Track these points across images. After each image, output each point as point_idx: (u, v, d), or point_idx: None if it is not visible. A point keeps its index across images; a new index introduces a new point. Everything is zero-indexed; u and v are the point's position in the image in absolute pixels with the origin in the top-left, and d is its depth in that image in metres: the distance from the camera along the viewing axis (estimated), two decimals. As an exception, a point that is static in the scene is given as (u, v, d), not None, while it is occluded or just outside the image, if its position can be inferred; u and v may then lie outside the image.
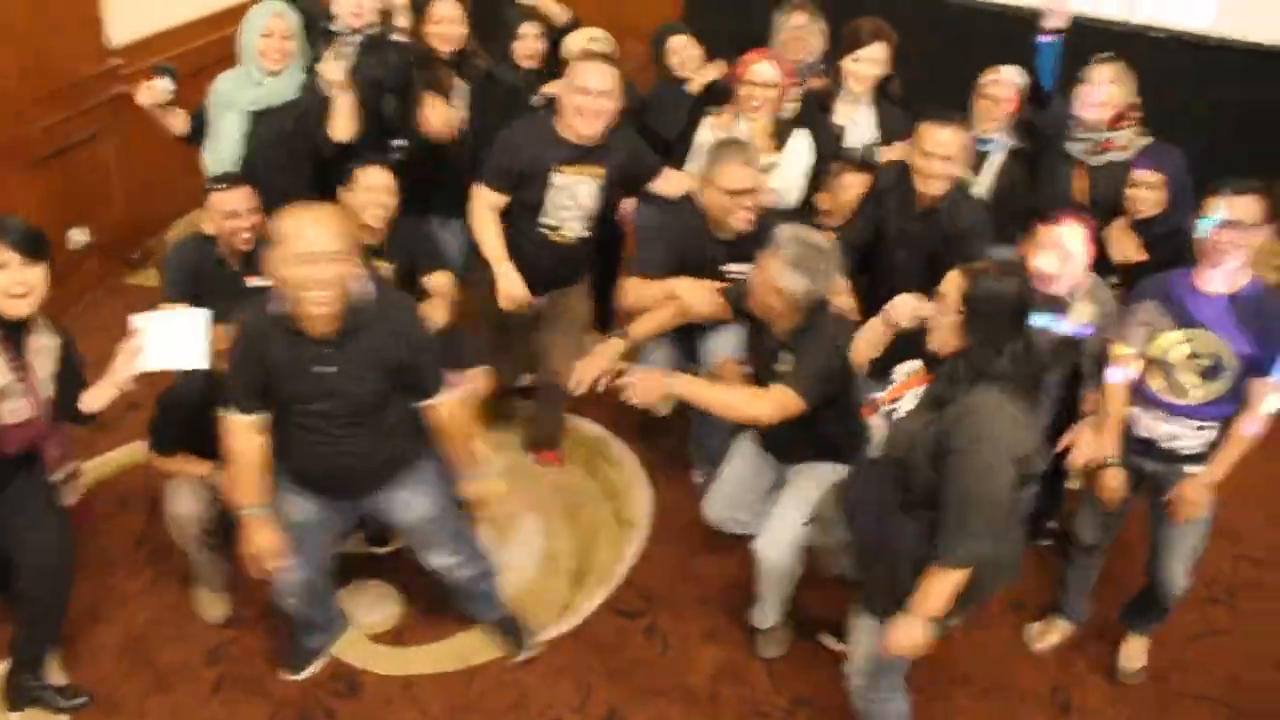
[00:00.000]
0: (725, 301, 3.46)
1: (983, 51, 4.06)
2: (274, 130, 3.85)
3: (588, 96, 3.55)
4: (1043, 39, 3.85)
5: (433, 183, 4.06)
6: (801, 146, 3.98)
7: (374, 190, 3.57)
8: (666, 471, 4.23)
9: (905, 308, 2.90)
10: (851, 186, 3.85)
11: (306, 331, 2.74)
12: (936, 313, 2.65)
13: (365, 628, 3.50)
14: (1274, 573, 3.89)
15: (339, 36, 3.99)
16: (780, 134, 3.98)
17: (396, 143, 4.01)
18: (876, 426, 2.79)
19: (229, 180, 3.50)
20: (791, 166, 3.97)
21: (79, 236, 4.89)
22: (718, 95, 4.17)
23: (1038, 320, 2.95)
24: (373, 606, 3.56)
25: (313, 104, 3.86)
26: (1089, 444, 3.19)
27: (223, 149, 3.86)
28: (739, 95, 3.97)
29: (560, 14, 4.46)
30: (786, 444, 3.33)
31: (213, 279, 3.46)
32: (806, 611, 3.51)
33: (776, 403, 3.06)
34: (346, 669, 3.37)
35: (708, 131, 4.02)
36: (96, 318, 4.69)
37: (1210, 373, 3.00)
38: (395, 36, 4.02)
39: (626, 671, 3.41)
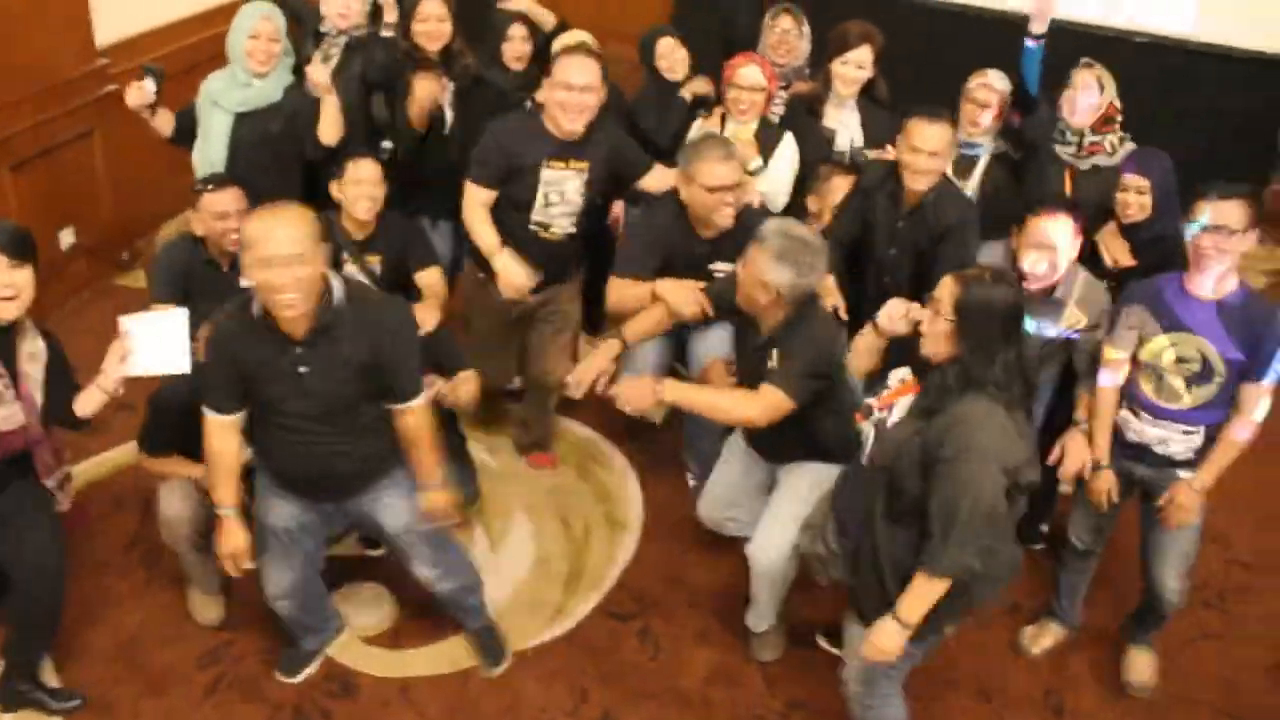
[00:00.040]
0: (709, 301, 3.45)
1: (968, 55, 4.08)
2: (257, 132, 3.84)
3: (570, 92, 3.53)
4: (1030, 44, 3.87)
5: (421, 184, 4.06)
6: (788, 150, 4.00)
7: (363, 183, 3.57)
8: (657, 473, 4.24)
9: (895, 313, 2.91)
10: (840, 189, 3.86)
11: (281, 332, 2.73)
12: (929, 319, 2.65)
13: (360, 630, 3.49)
14: (1264, 577, 3.91)
15: (326, 37, 3.99)
16: (767, 137, 3.99)
17: (385, 144, 4.00)
18: (868, 432, 2.80)
19: (218, 181, 3.49)
20: (779, 170, 3.98)
21: (67, 237, 4.86)
22: (707, 103, 4.20)
23: (1027, 325, 2.97)
24: (367, 609, 3.56)
25: (300, 106, 3.85)
26: (1078, 451, 3.22)
27: (212, 149, 3.85)
28: (727, 99, 4.00)
29: (547, 18, 4.46)
30: (775, 443, 3.31)
31: (203, 280, 3.45)
32: (802, 614, 3.52)
33: (767, 404, 3.05)
34: (342, 671, 3.37)
35: (698, 135, 4.03)
36: (85, 319, 4.67)
37: (1198, 378, 3.02)
38: (384, 33, 4.01)
39: (620, 675, 3.42)
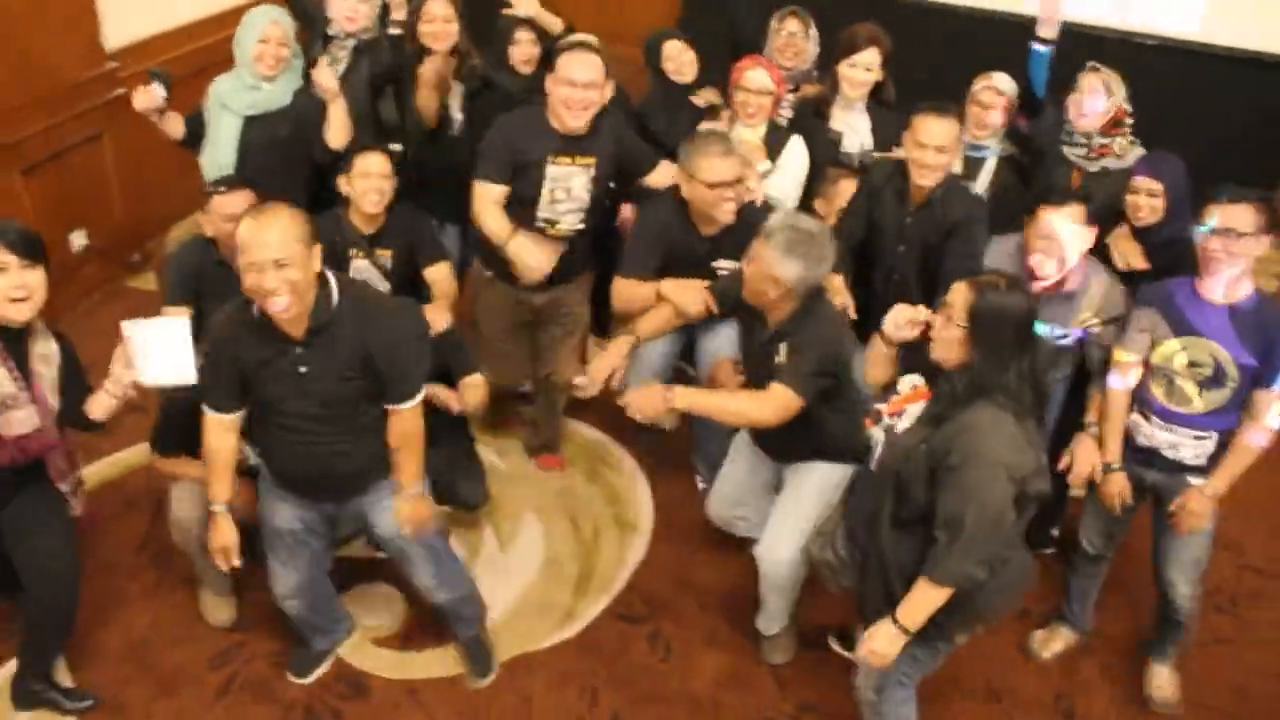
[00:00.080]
0: (713, 298, 3.45)
1: (976, 58, 4.07)
2: (266, 135, 3.85)
3: (574, 88, 3.52)
4: (1038, 47, 3.87)
5: (428, 187, 4.06)
6: (797, 153, 3.99)
7: (371, 175, 3.58)
8: (666, 475, 4.24)
9: (900, 319, 2.89)
10: (847, 192, 3.85)
11: (281, 332, 2.74)
12: (941, 324, 2.64)
13: (371, 631, 3.50)
14: (1277, 583, 3.90)
15: (334, 41, 4.00)
16: (775, 141, 3.99)
17: (394, 147, 4.00)
18: (878, 439, 2.79)
19: (229, 183, 3.50)
20: (787, 173, 3.98)
21: (78, 240, 4.87)
22: (716, 109, 4.21)
23: (1037, 328, 2.96)
24: (378, 610, 3.57)
25: (307, 110, 3.86)
26: (1087, 454, 3.21)
27: (220, 152, 3.86)
28: (735, 102, 4.00)
29: (554, 23, 4.46)
30: (781, 442, 3.29)
31: (214, 280, 3.47)
32: (813, 617, 3.52)
33: (778, 403, 3.03)
34: (352, 672, 3.38)
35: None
36: (97, 321, 4.68)
37: (1210, 382, 3.01)
38: (392, 30, 4.01)
39: (630, 677, 3.42)
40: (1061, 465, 3.23)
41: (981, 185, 3.89)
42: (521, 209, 3.68)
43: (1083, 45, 4.16)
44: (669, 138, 4.17)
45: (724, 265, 3.60)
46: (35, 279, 2.76)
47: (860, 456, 3.08)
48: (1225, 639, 3.67)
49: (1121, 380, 3.16)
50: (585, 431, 4.46)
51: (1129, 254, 3.48)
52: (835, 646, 3.50)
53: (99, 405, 2.92)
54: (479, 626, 3.41)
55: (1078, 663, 3.54)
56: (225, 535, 2.97)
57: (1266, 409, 2.98)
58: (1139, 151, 3.72)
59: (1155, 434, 3.12)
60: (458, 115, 4.16)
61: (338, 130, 3.83)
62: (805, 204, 4.01)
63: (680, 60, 4.28)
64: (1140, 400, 3.15)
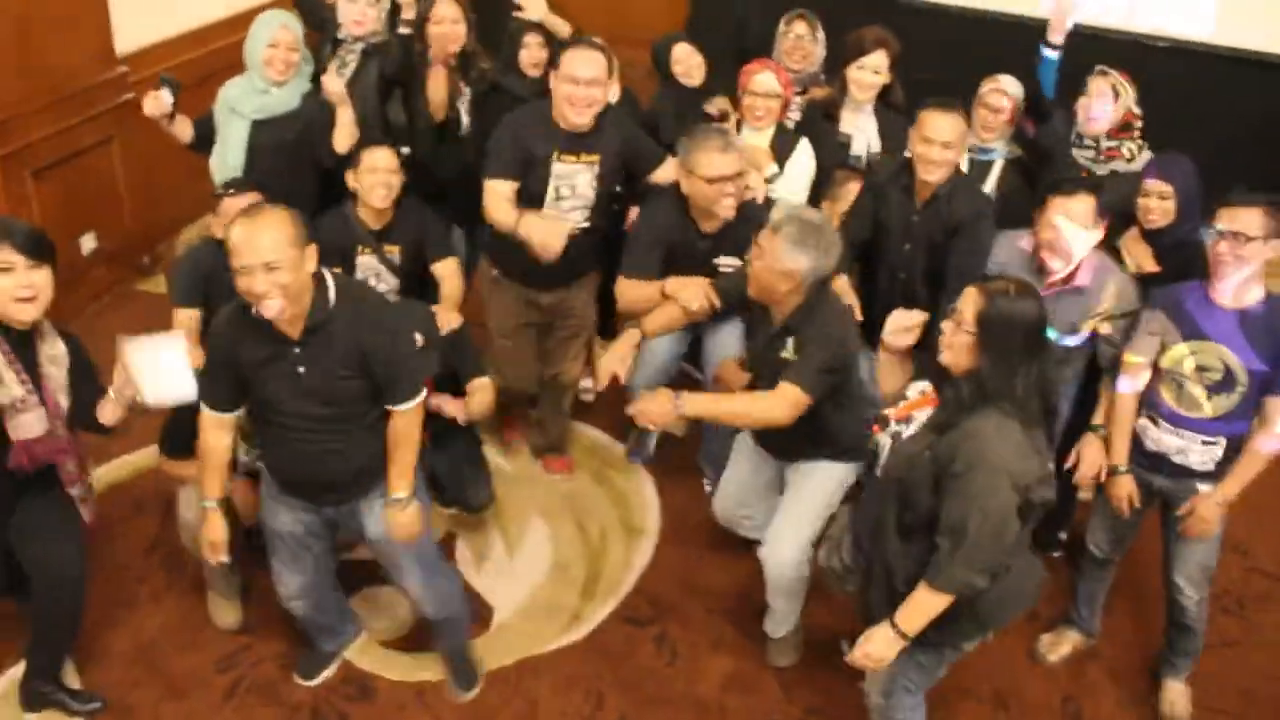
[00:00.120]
0: (717, 295, 3.43)
1: (985, 61, 4.07)
2: (274, 139, 3.86)
3: (577, 86, 3.52)
4: (1047, 53, 3.86)
5: (436, 188, 4.06)
6: (804, 156, 3.99)
7: (378, 170, 3.59)
8: (673, 478, 4.24)
9: (899, 326, 2.87)
10: (854, 194, 3.85)
11: (279, 332, 2.74)
12: (951, 329, 2.63)
13: (377, 633, 3.51)
14: (1285, 586, 3.90)
15: (343, 45, 4.01)
16: (783, 144, 3.99)
17: (402, 150, 4.01)
18: (884, 444, 2.78)
19: (239, 186, 3.50)
20: (795, 176, 3.97)
21: (88, 243, 4.89)
22: (727, 119, 4.21)
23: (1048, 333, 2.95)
24: (385, 612, 3.57)
25: (316, 114, 3.88)
26: (1094, 456, 3.21)
27: (230, 156, 3.87)
28: (743, 106, 4.00)
29: (562, 26, 4.47)
30: (783, 440, 3.26)
31: (223, 283, 3.44)
32: (819, 621, 3.51)
33: (788, 402, 3.01)
34: (359, 674, 3.38)
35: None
36: (106, 324, 4.69)
37: (1219, 387, 3.00)
38: (401, 30, 4.02)
39: (636, 681, 3.42)
40: (1069, 463, 3.22)
41: (988, 188, 3.89)
42: (529, 206, 3.68)
43: (1091, 47, 4.15)
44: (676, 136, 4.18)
45: (724, 262, 3.60)
46: (41, 279, 2.75)
47: (863, 454, 3.07)
48: (1232, 641, 3.65)
49: (1130, 383, 3.15)
50: (592, 434, 4.47)
51: (1139, 257, 3.47)
52: (846, 650, 3.48)
53: (107, 413, 2.93)
54: (464, 643, 3.37)
55: (1085, 666, 3.53)
56: (216, 530, 2.98)
57: (1278, 415, 2.96)
58: (1148, 156, 3.71)
59: (1163, 439, 3.11)
60: (465, 118, 4.17)
61: (345, 135, 3.85)
62: (813, 207, 4.00)
63: (689, 64, 4.28)
64: (1149, 404, 3.13)
